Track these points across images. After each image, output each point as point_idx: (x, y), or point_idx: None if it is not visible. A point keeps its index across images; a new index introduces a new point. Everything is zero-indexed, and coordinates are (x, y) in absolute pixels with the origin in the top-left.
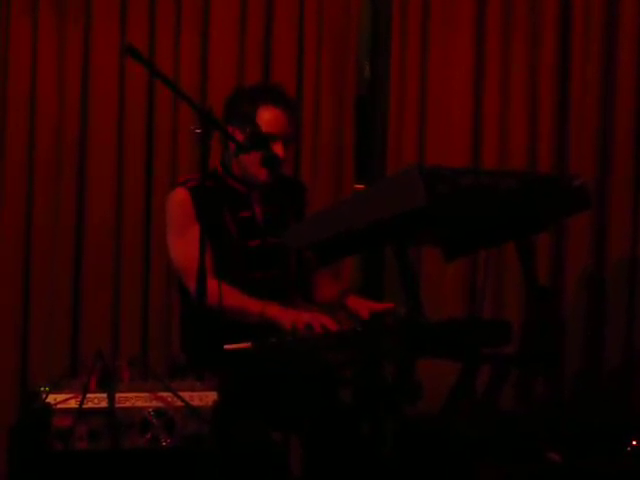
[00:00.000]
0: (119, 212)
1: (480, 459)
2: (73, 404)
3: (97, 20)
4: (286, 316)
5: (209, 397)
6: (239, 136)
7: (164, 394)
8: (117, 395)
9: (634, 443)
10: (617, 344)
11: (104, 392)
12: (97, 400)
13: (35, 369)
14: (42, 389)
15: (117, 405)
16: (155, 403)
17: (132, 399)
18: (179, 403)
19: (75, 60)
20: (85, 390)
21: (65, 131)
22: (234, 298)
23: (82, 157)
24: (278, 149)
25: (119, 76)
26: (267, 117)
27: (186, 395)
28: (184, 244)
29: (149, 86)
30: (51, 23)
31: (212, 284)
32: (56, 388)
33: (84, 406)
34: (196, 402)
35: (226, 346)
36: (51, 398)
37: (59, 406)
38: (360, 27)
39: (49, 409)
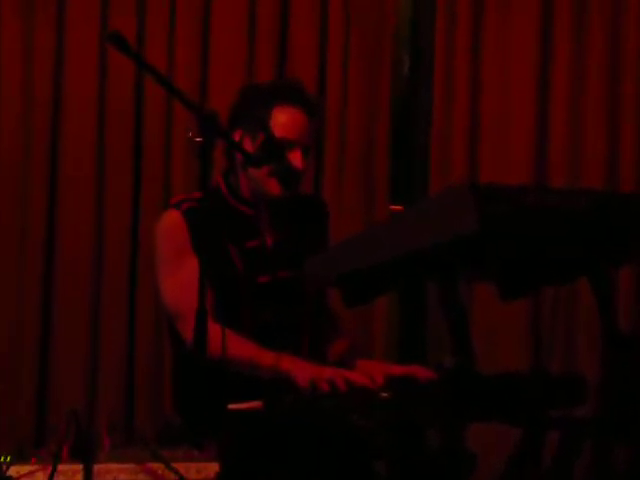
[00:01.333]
0: (98, 240)
1: None
2: (41, 479)
3: (72, 2)
4: (304, 370)
5: (209, 469)
6: (248, 145)
7: (153, 465)
8: (95, 467)
9: None
10: None
11: (79, 463)
12: (71, 473)
13: None
14: (2, 459)
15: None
16: (143, 477)
17: (114, 471)
18: (172, 477)
19: (45, 51)
20: (55, 460)
21: (31, 138)
22: (240, 347)
23: (52, 173)
24: (295, 158)
25: (99, 71)
26: (283, 120)
27: (181, 467)
28: (178, 280)
29: (136, 83)
30: (15, 9)
31: (213, 329)
32: (19, 458)
33: None
34: (193, 476)
35: (230, 406)
36: (13, 471)
37: None
38: (397, 10)
39: None
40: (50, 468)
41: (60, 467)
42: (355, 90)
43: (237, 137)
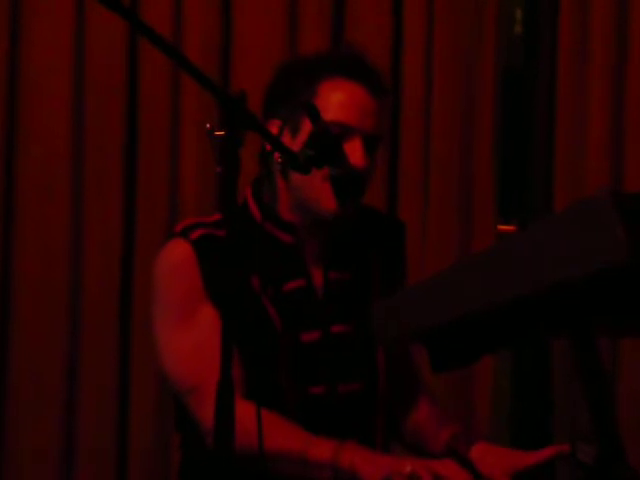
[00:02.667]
0: (75, 278)
1: None
2: None
3: None
4: (375, 465)
5: None
6: (289, 140)
7: None
8: None
9: None
10: None
11: None
12: None
13: None
14: None
15: None
16: None
17: None
18: None
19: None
20: None
21: None
22: (283, 435)
23: (7, 184)
24: (356, 153)
25: (75, 41)
26: (337, 98)
27: None
28: (188, 340)
29: (130, 55)
30: None
31: (242, 409)
32: None
33: None
34: None
35: None
36: None
37: None
38: None
39: None
40: None
41: None
42: (442, 60)
43: (274, 130)
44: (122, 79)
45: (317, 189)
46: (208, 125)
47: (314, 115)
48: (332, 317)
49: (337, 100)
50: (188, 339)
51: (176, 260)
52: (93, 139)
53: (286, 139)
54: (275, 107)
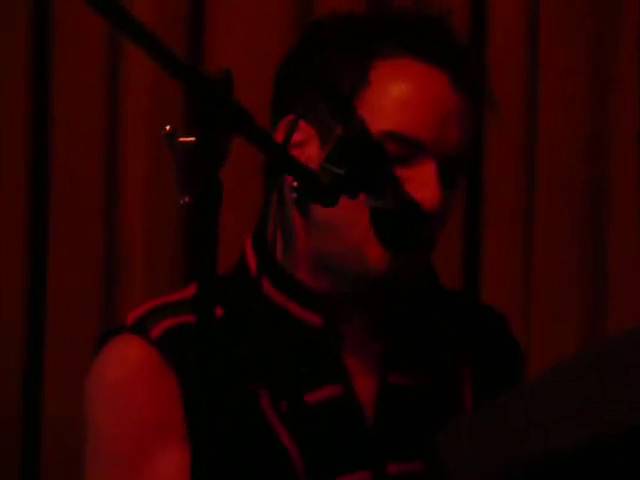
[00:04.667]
0: None
1: None
2: None
3: None
4: None
5: None
6: (313, 152)
7: None
8: None
9: None
10: None
11: None
12: None
13: None
14: None
15: None
16: None
17: None
18: None
19: None
20: None
21: None
22: None
23: None
24: (428, 187)
25: None
26: (402, 93)
27: None
28: None
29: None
30: None
31: None
32: None
33: None
34: None
35: None
36: None
37: None
38: None
39: None
40: None
41: None
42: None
43: (284, 132)
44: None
45: (354, 233)
46: (168, 127)
47: (342, 107)
48: (389, 449)
49: (399, 95)
50: None
51: (126, 375)
52: None
53: (311, 149)
54: (292, 97)
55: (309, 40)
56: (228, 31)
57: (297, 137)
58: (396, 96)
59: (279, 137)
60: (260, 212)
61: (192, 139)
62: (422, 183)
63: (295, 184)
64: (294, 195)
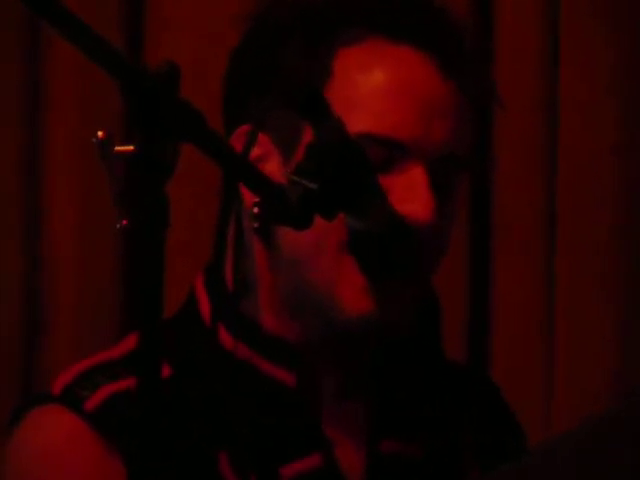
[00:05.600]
0: None
1: None
2: None
3: None
4: None
5: None
6: (276, 166)
7: None
8: None
9: None
10: None
11: None
12: None
13: None
14: None
15: None
16: None
17: None
18: None
19: None
20: None
21: None
22: None
23: None
24: (416, 196)
25: None
26: (379, 82)
27: None
28: None
29: None
30: None
31: None
32: None
33: None
34: None
35: None
36: None
37: None
38: None
39: None
40: None
41: None
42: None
43: (239, 144)
44: None
45: (328, 263)
46: (100, 133)
47: (312, 105)
48: None
49: (372, 86)
50: None
51: (53, 460)
52: None
53: (271, 165)
54: (244, 100)
55: (259, 29)
56: (171, 19)
57: (254, 151)
58: (368, 88)
59: (237, 146)
60: (214, 242)
61: (131, 148)
62: (409, 192)
63: (255, 210)
64: (255, 224)
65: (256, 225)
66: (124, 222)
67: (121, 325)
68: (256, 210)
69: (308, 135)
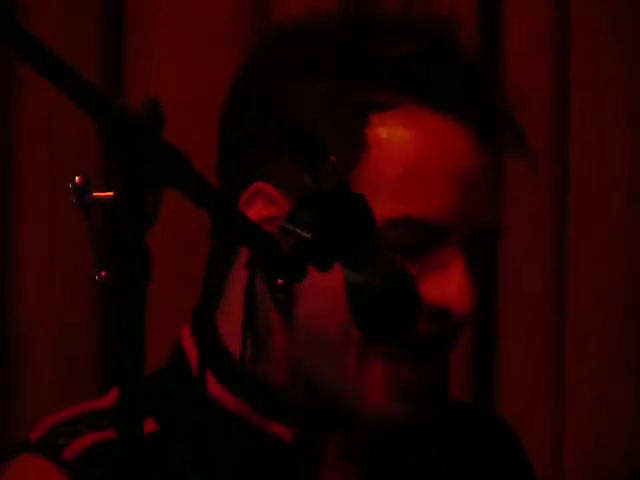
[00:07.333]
0: None
1: None
2: None
3: None
4: None
5: None
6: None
7: None
8: None
9: None
10: None
11: None
12: None
13: None
14: None
15: None
16: None
17: None
18: None
19: None
20: None
21: None
22: None
23: None
24: (453, 285)
25: None
26: (414, 156)
27: None
28: None
29: None
30: None
31: None
32: None
33: None
34: None
35: None
36: None
37: None
38: None
39: None
40: None
41: None
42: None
43: (256, 208)
44: None
45: (338, 352)
46: (77, 178)
47: (312, 151)
48: None
49: (415, 162)
50: None
51: None
52: None
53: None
54: (256, 155)
55: (273, 69)
56: (155, 49)
57: (268, 211)
58: (404, 162)
59: (246, 213)
60: (203, 288)
61: (110, 194)
62: (445, 282)
63: (280, 281)
64: (281, 297)
65: (281, 299)
66: (102, 273)
67: (101, 380)
68: (281, 282)
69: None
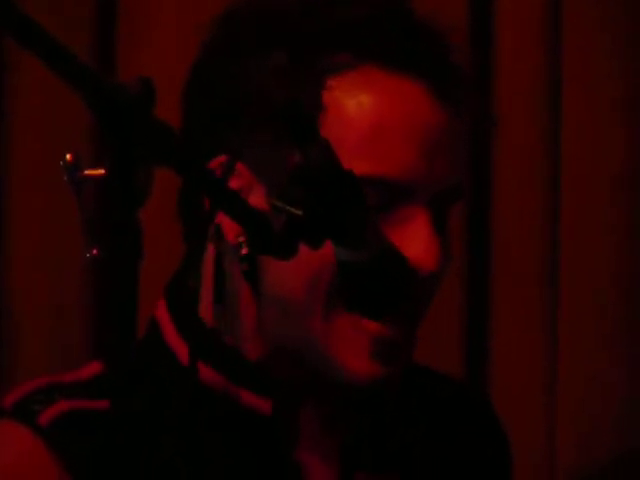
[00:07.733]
0: None
1: None
2: None
3: None
4: None
5: None
6: (258, 198)
7: None
8: None
9: None
10: None
11: None
12: None
13: None
14: None
15: None
16: None
17: None
18: None
19: None
20: None
21: None
22: None
23: None
24: (419, 242)
25: None
26: (373, 115)
27: None
28: None
29: None
30: None
31: None
32: None
33: None
34: None
35: None
36: None
37: None
38: None
39: None
40: None
41: None
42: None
43: (219, 170)
44: None
45: (321, 315)
46: (68, 155)
47: (300, 128)
48: None
49: (374, 122)
50: None
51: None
52: None
53: (253, 196)
54: (215, 127)
55: (226, 40)
56: (148, 38)
57: (233, 183)
58: (365, 125)
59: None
60: (183, 267)
61: (101, 171)
62: (411, 238)
63: (244, 251)
64: (244, 266)
65: (245, 268)
66: (94, 251)
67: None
68: (244, 251)
69: (293, 161)
